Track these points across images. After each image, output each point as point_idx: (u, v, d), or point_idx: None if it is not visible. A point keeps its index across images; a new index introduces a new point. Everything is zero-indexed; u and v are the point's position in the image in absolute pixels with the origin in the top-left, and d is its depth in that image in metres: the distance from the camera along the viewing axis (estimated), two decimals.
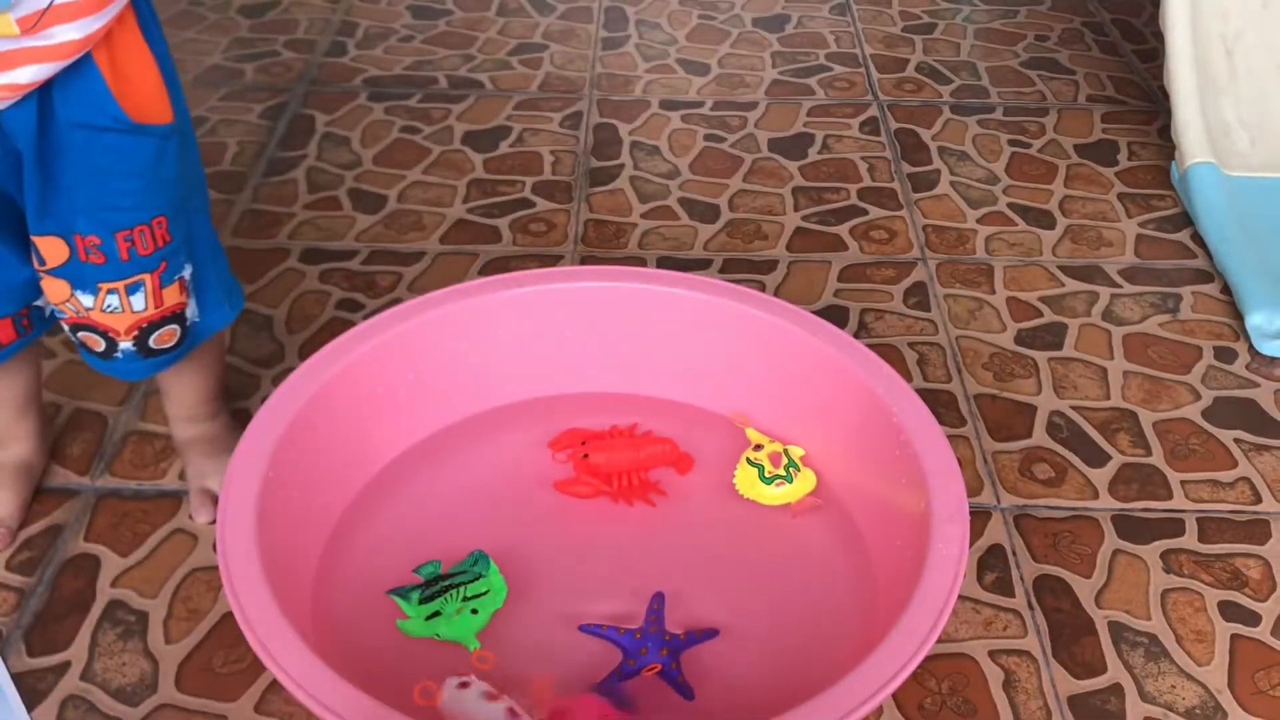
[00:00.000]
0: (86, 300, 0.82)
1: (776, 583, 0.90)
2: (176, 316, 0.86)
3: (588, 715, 0.78)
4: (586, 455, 0.96)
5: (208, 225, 0.89)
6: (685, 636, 0.85)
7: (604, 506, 0.96)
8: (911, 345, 1.17)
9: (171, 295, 0.85)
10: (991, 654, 0.88)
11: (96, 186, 0.78)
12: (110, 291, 0.82)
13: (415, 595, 0.85)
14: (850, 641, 0.83)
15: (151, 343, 0.86)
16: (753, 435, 0.99)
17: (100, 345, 0.85)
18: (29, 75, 0.72)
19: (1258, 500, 1.02)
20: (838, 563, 0.91)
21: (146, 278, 0.82)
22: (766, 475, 0.95)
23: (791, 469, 0.96)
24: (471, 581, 0.85)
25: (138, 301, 0.83)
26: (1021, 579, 0.94)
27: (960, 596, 0.89)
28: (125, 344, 0.85)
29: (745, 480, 0.96)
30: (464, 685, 0.78)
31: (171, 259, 0.83)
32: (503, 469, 0.98)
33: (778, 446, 0.97)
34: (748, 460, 0.97)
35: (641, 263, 1.26)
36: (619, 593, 0.89)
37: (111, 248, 0.80)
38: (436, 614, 0.84)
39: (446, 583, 0.85)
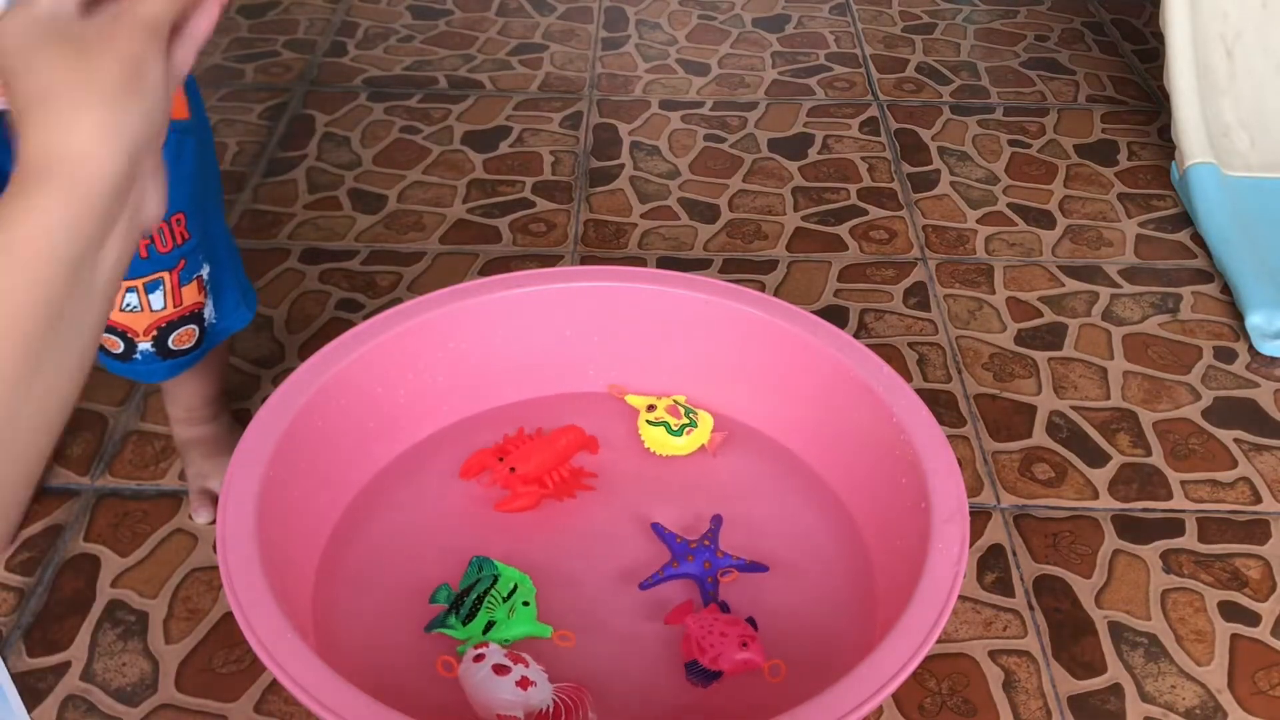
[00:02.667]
0: None
1: (772, 584, 0.90)
2: (195, 316, 0.86)
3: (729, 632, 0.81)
4: (512, 469, 0.94)
5: (224, 226, 0.89)
6: (710, 531, 0.91)
7: (550, 508, 0.95)
8: (911, 345, 1.17)
9: (190, 294, 0.85)
10: (991, 654, 0.88)
11: None
12: (129, 290, 0.82)
13: (454, 620, 0.83)
14: (850, 642, 0.83)
15: (170, 343, 0.86)
16: (635, 400, 1.02)
17: (119, 347, 0.85)
18: None
19: (1258, 500, 1.02)
20: (837, 563, 0.91)
21: (165, 276, 0.82)
22: (674, 428, 0.98)
23: (691, 414, 0.99)
24: (493, 584, 0.85)
25: (156, 300, 0.83)
26: (1021, 579, 0.94)
27: (960, 596, 0.89)
28: (144, 345, 0.85)
29: (656, 440, 0.98)
30: (479, 658, 0.78)
31: (190, 257, 0.83)
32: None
33: (667, 400, 1.00)
34: (648, 423, 0.99)
35: (642, 263, 1.26)
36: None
37: None
38: (492, 624, 0.82)
39: (474, 595, 0.84)
